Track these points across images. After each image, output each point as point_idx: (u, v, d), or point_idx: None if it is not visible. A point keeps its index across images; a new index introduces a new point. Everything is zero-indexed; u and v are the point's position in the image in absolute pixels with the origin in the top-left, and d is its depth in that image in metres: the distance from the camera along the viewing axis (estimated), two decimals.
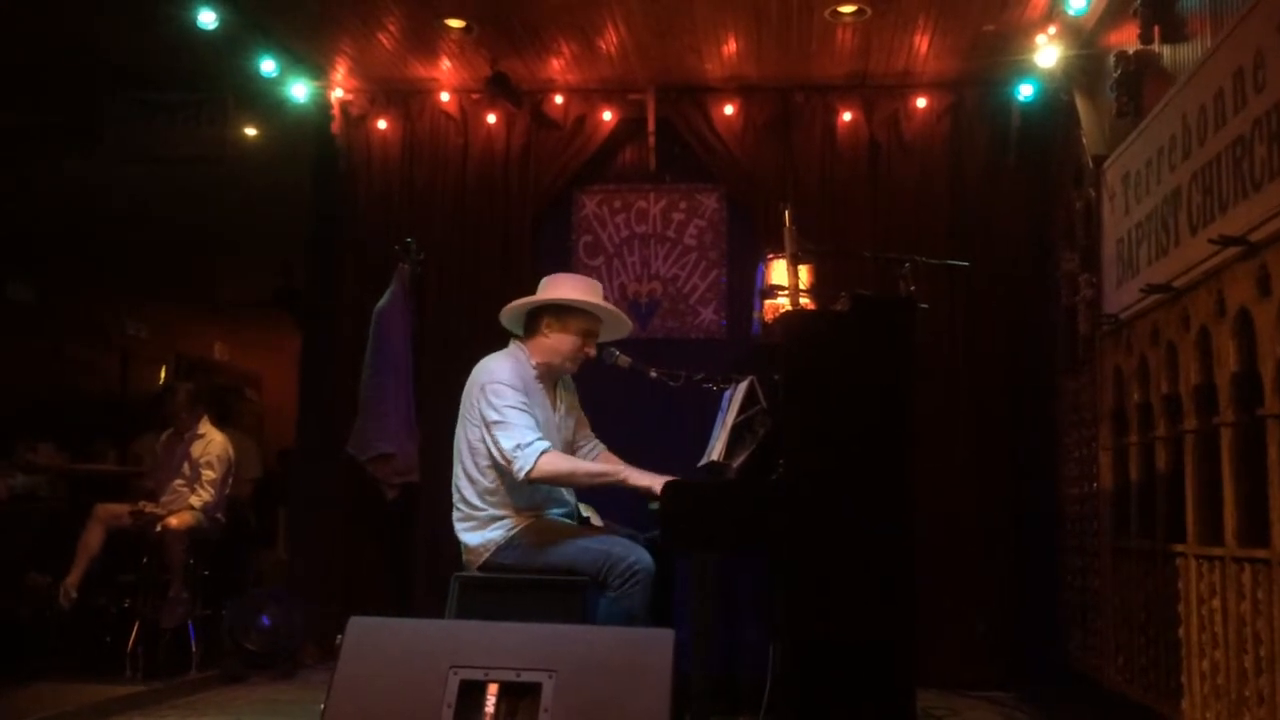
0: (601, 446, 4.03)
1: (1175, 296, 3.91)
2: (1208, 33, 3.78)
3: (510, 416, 3.56)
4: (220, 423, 6.21)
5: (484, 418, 3.59)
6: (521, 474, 3.50)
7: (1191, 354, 3.77)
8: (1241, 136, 3.35)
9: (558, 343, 3.76)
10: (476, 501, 3.63)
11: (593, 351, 3.84)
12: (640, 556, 3.42)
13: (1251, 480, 3.35)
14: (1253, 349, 3.32)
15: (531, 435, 3.53)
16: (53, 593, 5.45)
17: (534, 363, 3.77)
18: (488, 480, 3.62)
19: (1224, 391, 3.52)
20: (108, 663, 5.32)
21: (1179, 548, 3.87)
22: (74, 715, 4.41)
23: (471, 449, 3.65)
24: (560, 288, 3.82)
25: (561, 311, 3.77)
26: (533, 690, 2.55)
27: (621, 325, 3.96)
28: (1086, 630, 4.99)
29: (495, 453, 3.56)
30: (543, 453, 3.51)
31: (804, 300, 3.90)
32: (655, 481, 3.43)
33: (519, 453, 3.50)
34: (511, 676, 2.57)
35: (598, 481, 3.64)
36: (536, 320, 3.79)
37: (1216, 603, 3.55)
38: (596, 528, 3.77)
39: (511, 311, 3.85)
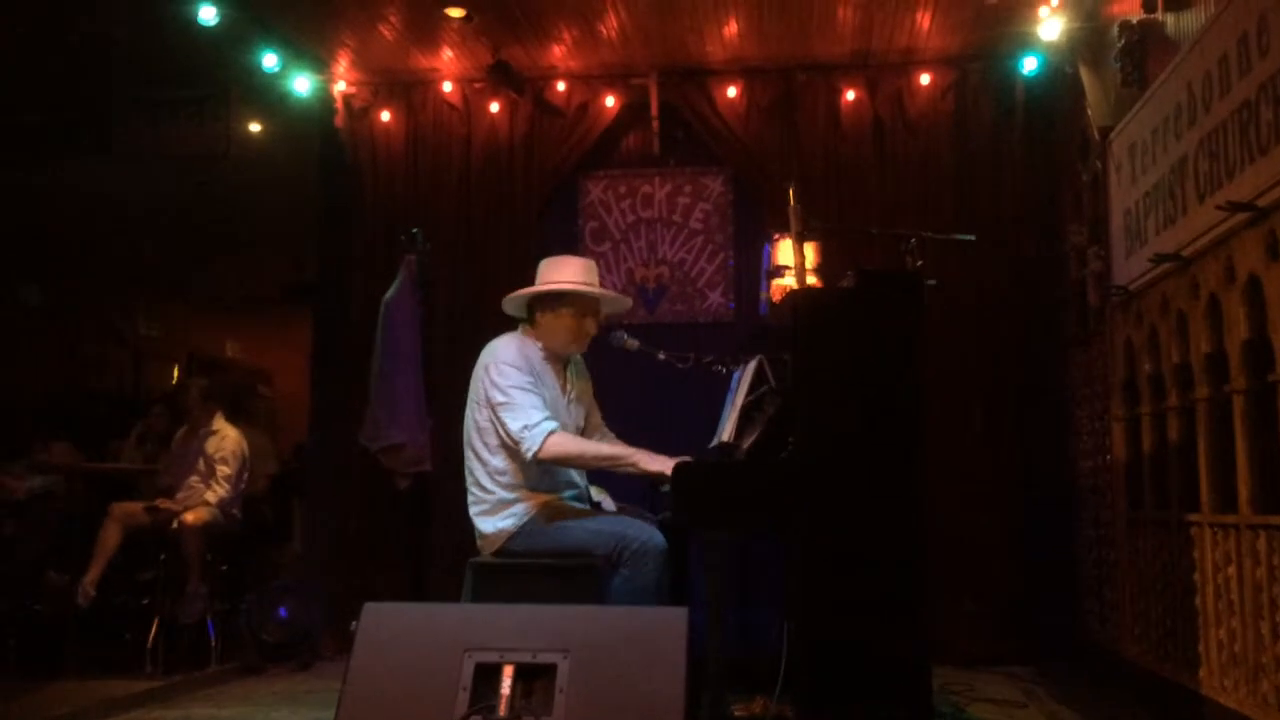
0: (611, 436, 4.02)
1: (1184, 265, 3.89)
2: None
3: (515, 397, 3.56)
4: (234, 418, 6.24)
5: (489, 399, 3.59)
6: (529, 454, 3.50)
7: (1201, 322, 3.76)
8: (1247, 101, 3.32)
9: (555, 328, 3.76)
10: (487, 484, 3.64)
11: (593, 329, 3.81)
12: (652, 535, 3.42)
13: (1264, 447, 3.34)
14: (1263, 315, 3.30)
15: (538, 415, 3.53)
16: (71, 592, 5.48)
17: (539, 344, 3.77)
18: (497, 461, 3.62)
19: (1235, 359, 3.50)
20: (128, 660, 5.35)
21: (1193, 517, 3.86)
22: (95, 710, 4.44)
23: (480, 430, 3.65)
24: (548, 272, 3.80)
25: (549, 299, 3.76)
26: (548, 671, 2.56)
27: (616, 302, 3.95)
28: (1103, 603, 4.99)
29: (503, 433, 3.56)
30: (550, 433, 3.51)
31: (811, 279, 3.89)
32: (667, 465, 3.41)
33: (526, 433, 3.50)
34: (526, 658, 2.58)
35: (607, 465, 3.63)
36: (531, 309, 3.80)
37: (1232, 570, 3.54)
38: (609, 511, 3.78)
39: (510, 303, 3.85)
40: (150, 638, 5.31)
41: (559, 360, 3.82)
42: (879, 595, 3.25)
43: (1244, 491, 3.44)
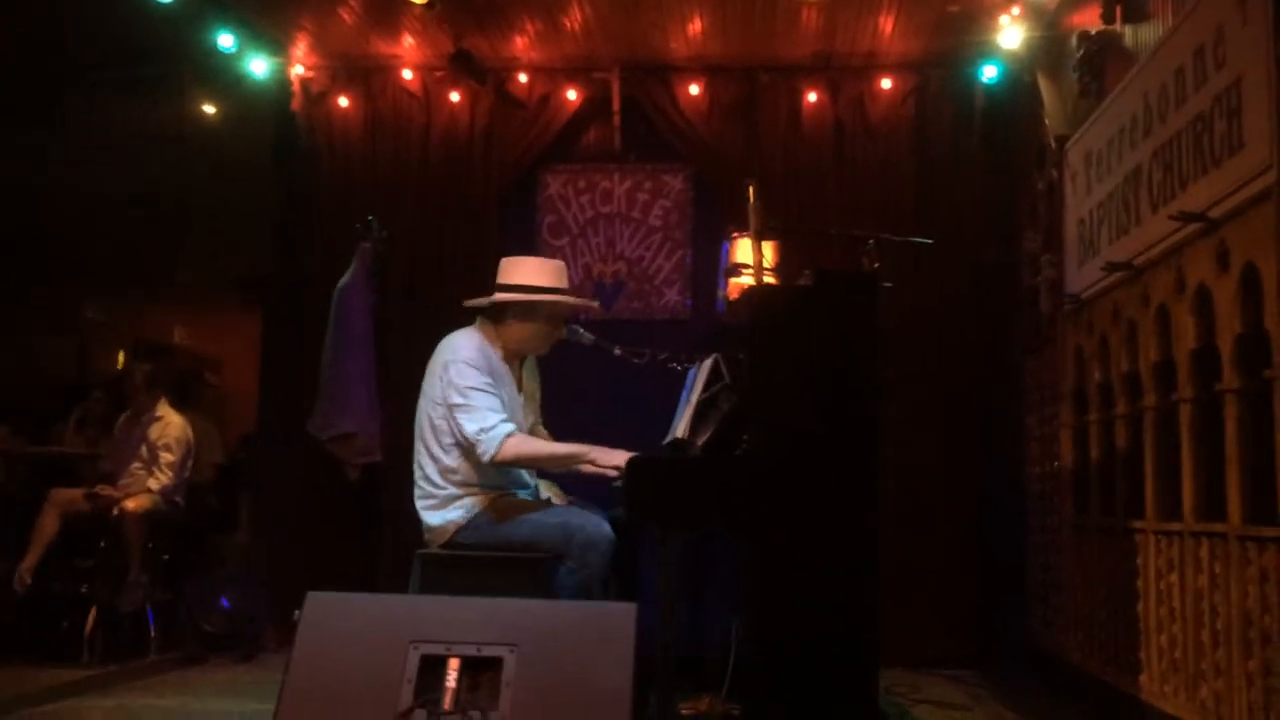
0: (546, 435, 4.00)
1: (1135, 275, 3.94)
2: (1169, 12, 3.80)
3: (474, 399, 3.54)
4: (180, 405, 6.13)
5: (446, 399, 3.56)
6: (486, 458, 3.49)
7: (1151, 331, 3.80)
8: (1201, 113, 3.37)
9: (526, 332, 3.75)
10: (438, 479, 3.61)
11: (563, 333, 3.83)
12: (599, 526, 3.41)
13: (1209, 456, 3.38)
14: (1211, 325, 3.35)
15: (495, 418, 3.51)
16: (7, 577, 5.35)
17: (500, 344, 3.74)
18: (450, 459, 3.60)
19: (1183, 368, 3.55)
20: (65, 648, 5.24)
21: (1138, 524, 3.90)
22: (30, 698, 4.34)
23: (434, 427, 3.62)
24: (522, 273, 3.76)
25: (528, 304, 3.72)
26: (494, 664, 2.53)
27: (587, 305, 3.97)
28: (1048, 607, 5.04)
29: (459, 435, 3.54)
30: (508, 435, 3.49)
31: (768, 277, 3.88)
32: (625, 458, 3.41)
33: (483, 436, 3.48)
34: (472, 651, 2.55)
35: (564, 464, 3.63)
36: (502, 309, 3.75)
37: (1174, 577, 3.59)
38: (558, 507, 3.76)
39: (477, 303, 3.81)
40: (88, 626, 5.21)
41: (516, 358, 3.80)
42: (831, 595, 3.25)
43: (1188, 499, 3.49)
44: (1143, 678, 3.84)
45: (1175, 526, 3.59)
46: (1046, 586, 5.08)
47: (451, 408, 3.54)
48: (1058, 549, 4.87)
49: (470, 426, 3.50)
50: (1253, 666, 3.03)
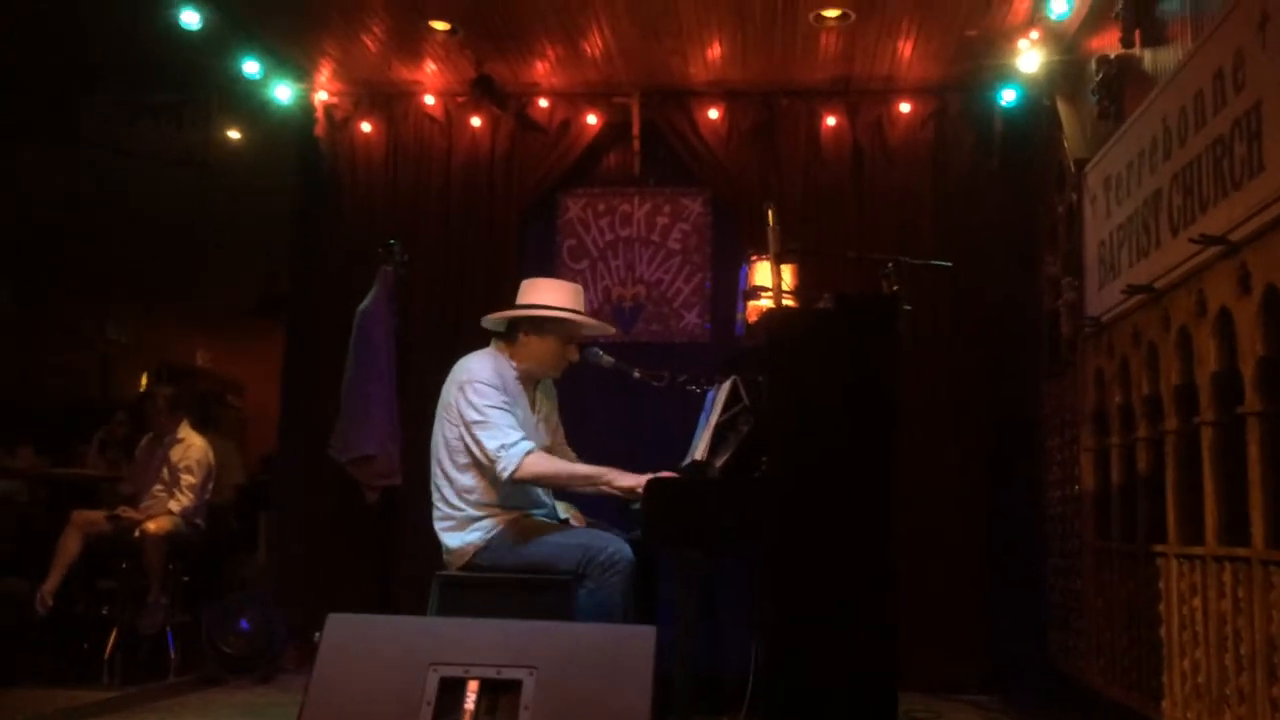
0: (572, 455, 4.01)
1: (1156, 297, 3.92)
2: (1188, 35, 3.81)
3: (492, 416, 3.55)
4: (201, 427, 6.17)
5: (464, 417, 3.58)
6: (505, 474, 3.49)
7: (1172, 354, 3.79)
8: (1221, 136, 3.36)
9: (537, 350, 3.76)
10: (455, 501, 3.62)
11: (575, 356, 3.84)
12: (619, 547, 3.41)
13: (1232, 479, 3.36)
14: (1233, 348, 3.33)
15: (515, 435, 3.53)
16: (29, 598, 5.39)
17: (514, 365, 3.76)
18: (466, 479, 3.61)
19: (1205, 391, 3.53)
20: (85, 669, 5.27)
21: (1160, 548, 3.88)
22: (49, 719, 4.36)
23: (450, 448, 3.63)
24: (537, 293, 3.79)
25: (539, 321, 3.75)
26: (513, 687, 2.52)
27: (601, 329, 3.98)
28: (1069, 632, 4.99)
29: (478, 452, 3.55)
30: (527, 453, 3.50)
31: (787, 300, 3.89)
32: (640, 481, 3.41)
33: (503, 453, 3.49)
34: (492, 673, 2.54)
35: (581, 485, 3.63)
36: (515, 328, 3.78)
37: (1197, 602, 3.56)
38: (577, 528, 3.76)
39: (493, 319, 3.84)
40: (109, 648, 5.23)
41: (530, 380, 3.82)
42: (849, 617, 3.25)
43: (1210, 523, 3.46)
44: (1165, 703, 3.80)
45: (1198, 551, 3.56)
46: (1067, 610, 5.04)
47: (470, 425, 3.56)
48: (1078, 573, 4.84)
49: (490, 443, 3.51)
50: (1277, 692, 2.99)
